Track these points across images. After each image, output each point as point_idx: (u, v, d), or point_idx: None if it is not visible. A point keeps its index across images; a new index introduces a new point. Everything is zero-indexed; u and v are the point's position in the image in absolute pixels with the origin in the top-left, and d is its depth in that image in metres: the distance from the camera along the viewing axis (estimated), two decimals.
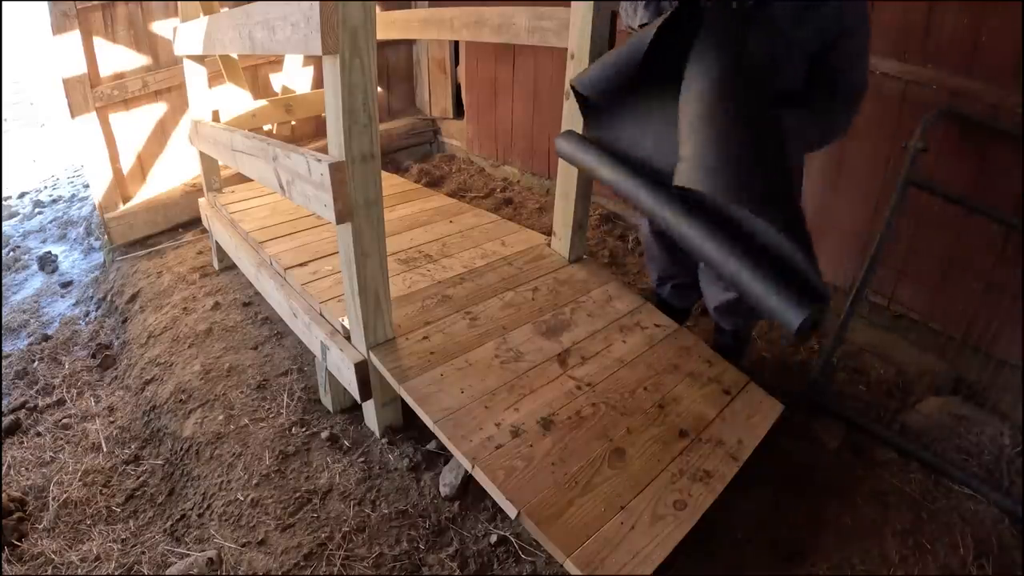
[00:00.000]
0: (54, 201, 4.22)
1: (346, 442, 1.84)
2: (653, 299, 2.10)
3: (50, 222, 3.86)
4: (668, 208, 1.35)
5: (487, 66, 3.63)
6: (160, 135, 3.21)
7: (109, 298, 2.88)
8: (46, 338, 2.64)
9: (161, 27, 3.01)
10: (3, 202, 4.21)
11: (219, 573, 1.49)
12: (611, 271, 2.40)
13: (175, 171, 3.30)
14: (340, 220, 1.49)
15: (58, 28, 2.66)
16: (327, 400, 1.97)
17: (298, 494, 1.67)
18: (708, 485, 1.44)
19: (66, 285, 3.11)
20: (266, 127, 3.38)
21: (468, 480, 1.63)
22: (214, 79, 2.91)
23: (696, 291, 1.96)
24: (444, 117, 4.22)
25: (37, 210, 4.08)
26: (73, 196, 4.27)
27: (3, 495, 1.76)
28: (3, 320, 2.79)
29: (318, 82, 3.71)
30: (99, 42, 2.85)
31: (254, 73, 3.48)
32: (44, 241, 3.66)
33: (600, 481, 1.41)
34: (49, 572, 1.58)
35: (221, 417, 1.97)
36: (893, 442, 1.81)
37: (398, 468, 1.74)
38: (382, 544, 1.53)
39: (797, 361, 2.19)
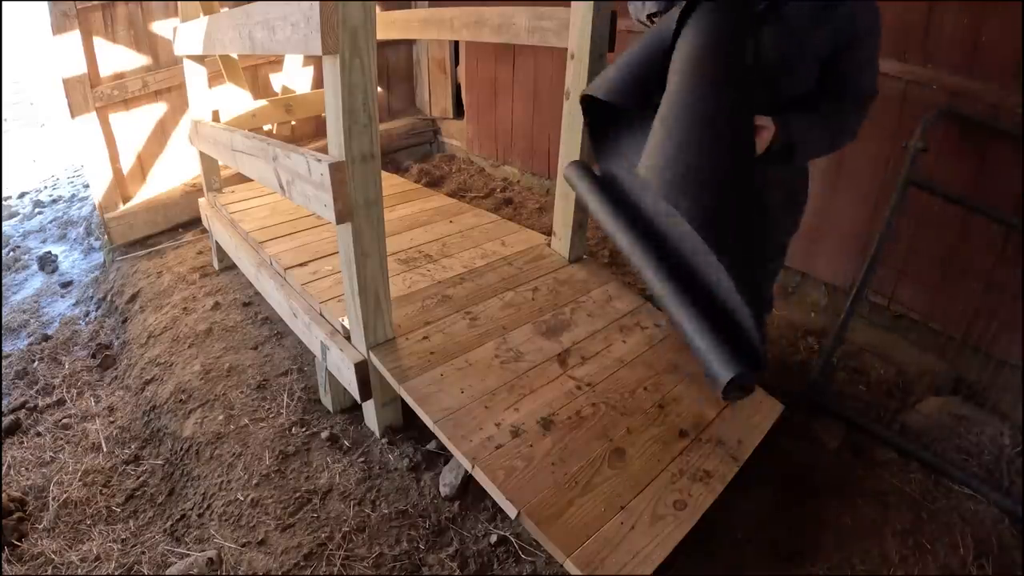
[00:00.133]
0: (54, 201, 4.22)
1: (346, 442, 1.84)
2: (653, 299, 2.10)
3: (50, 222, 3.86)
4: (651, 270, 1.34)
5: (487, 66, 3.64)
6: (160, 135, 3.21)
7: (109, 298, 2.88)
8: (46, 338, 2.64)
9: (161, 27, 3.01)
10: (3, 202, 4.21)
11: (219, 573, 1.49)
12: (611, 271, 2.40)
13: (175, 171, 3.30)
14: (340, 220, 1.49)
15: (58, 28, 2.66)
16: (327, 400, 1.97)
17: (298, 494, 1.67)
18: (708, 485, 1.44)
19: (66, 285, 3.11)
20: (266, 127, 3.38)
21: (468, 480, 1.63)
22: (214, 79, 2.91)
23: None
24: (444, 117, 4.22)
25: (37, 210, 4.08)
26: (73, 196, 4.27)
27: (3, 495, 1.76)
28: (3, 320, 2.79)
29: (318, 82, 3.71)
30: (99, 42, 2.85)
31: (254, 73, 3.49)
32: (44, 241, 3.66)
33: (600, 481, 1.41)
34: (49, 572, 1.58)
35: (221, 417, 1.97)
36: (893, 442, 1.81)
37: (398, 468, 1.74)
38: (382, 544, 1.53)
39: (797, 361, 2.19)
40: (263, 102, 3.24)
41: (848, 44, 1.33)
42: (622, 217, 1.43)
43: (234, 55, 3.09)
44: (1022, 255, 1.80)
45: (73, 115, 2.81)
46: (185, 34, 2.44)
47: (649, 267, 1.34)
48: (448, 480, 1.66)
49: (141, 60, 3.03)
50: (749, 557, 1.50)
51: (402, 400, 1.71)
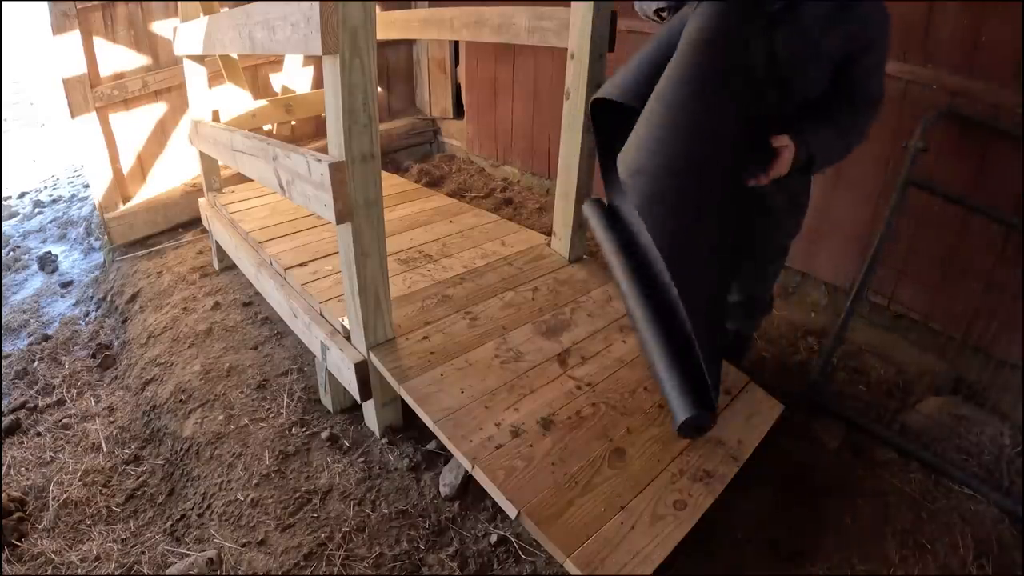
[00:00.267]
0: (54, 201, 4.22)
1: (346, 442, 1.84)
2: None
3: (50, 222, 3.86)
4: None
5: (487, 66, 3.64)
6: (160, 135, 3.21)
7: (109, 298, 2.88)
8: (46, 338, 2.64)
9: (161, 27, 3.01)
10: (3, 202, 4.21)
11: (219, 573, 1.49)
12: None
13: (175, 171, 3.30)
14: (340, 220, 1.49)
15: (58, 28, 2.66)
16: (327, 400, 1.97)
17: (298, 494, 1.67)
18: (708, 485, 1.44)
19: (66, 285, 3.11)
20: (266, 127, 3.38)
21: (468, 480, 1.63)
22: (214, 79, 2.91)
23: None
24: (444, 117, 4.22)
25: (37, 210, 4.08)
26: (73, 196, 4.27)
27: (3, 495, 1.76)
28: (3, 320, 2.79)
29: (318, 82, 3.71)
30: (99, 42, 2.85)
31: (254, 73, 3.49)
32: (44, 241, 3.66)
33: (600, 481, 1.41)
34: (49, 572, 1.58)
35: (221, 417, 1.97)
36: (893, 442, 1.81)
37: (398, 468, 1.74)
38: (382, 544, 1.53)
39: (797, 361, 2.19)
40: (263, 102, 3.24)
41: (863, 48, 1.33)
42: (623, 256, 1.44)
43: (234, 55, 3.08)
44: (1022, 255, 1.80)
45: (73, 115, 2.80)
46: (185, 34, 2.44)
47: (631, 295, 1.34)
48: (448, 480, 1.66)
49: (141, 60, 3.02)
50: (749, 557, 1.50)
51: (402, 400, 1.71)
